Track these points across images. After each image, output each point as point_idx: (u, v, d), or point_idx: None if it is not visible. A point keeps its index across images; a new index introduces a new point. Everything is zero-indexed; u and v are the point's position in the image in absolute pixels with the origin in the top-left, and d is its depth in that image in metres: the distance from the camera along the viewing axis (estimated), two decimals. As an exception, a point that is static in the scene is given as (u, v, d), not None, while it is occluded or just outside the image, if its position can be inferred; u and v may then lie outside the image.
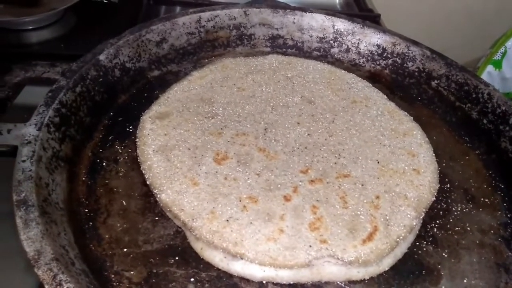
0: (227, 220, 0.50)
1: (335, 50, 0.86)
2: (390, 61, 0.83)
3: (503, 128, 0.69)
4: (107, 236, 0.50)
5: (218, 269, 0.49)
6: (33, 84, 0.63)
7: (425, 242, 0.56)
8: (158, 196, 0.53)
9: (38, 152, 0.51)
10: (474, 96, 0.74)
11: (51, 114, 0.55)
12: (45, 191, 0.48)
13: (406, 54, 0.82)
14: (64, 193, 0.52)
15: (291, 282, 0.49)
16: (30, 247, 0.41)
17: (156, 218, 0.53)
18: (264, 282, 0.49)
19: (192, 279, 0.48)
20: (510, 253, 0.57)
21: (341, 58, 0.86)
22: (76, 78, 0.61)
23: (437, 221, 0.59)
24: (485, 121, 0.72)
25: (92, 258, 0.48)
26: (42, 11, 0.98)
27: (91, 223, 0.52)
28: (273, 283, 0.49)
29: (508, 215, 0.61)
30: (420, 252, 0.55)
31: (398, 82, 0.82)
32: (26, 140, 0.51)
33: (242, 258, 0.48)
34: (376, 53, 0.84)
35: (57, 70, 0.63)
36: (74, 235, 0.48)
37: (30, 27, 0.98)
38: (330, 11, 0.89)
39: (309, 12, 0.85)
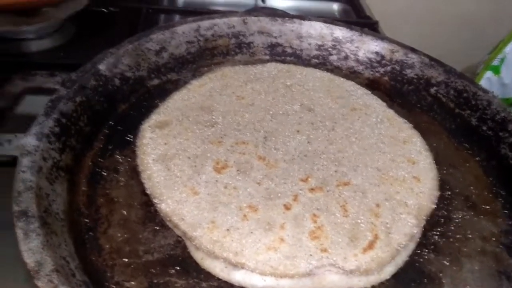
0: (228, 230, 0.50)
1: (333, 58, 0.86)
2: (388, 68, 0.84)
3: (503, 134, 0.69)
4: (107, 246, 0.50)
5: (219, 279, 0.49)
6: (33, 93, 0.63)
7: (426, 250, 0.56)
8: (158, 205, 0.53)
9: (38, 163, 0.50)
10: (473, 102, 0.74)
11: (51, 124, 0.55)
12: (45, 201, 0.48)
13: (405, 61, 0.83)
14: (65, 203, 0.52)
15: (292, 292, 0.49)
16: (30, 259, 0.41)
17: (157, 228, 0.53)
18: (265, 291, 0.49)
19: (192, 289, 0.48)
20: (511, 261, 0.56)
21: (340, 65, 0.86)
22: (76, 88, 0.61)
23: (438, 229, 0.59)
24: (484, 128, 0.72)
25: (92, 269, 0.48)
26: (41, 21, 0.98)
27: (91, 234, 0.51)
28: (274, 292, 0.49)
29: (509, 222, 0.61)
30: (421, 260, 0.55)
31: (397, 89, 0.82)
32: (26, 150, 0.51)
33: (242, 268, 0.48)
34: (374, 61, 0.85)
35: (57, 79, 0.63)
36: (74, 245, 0.48)
37: (30, 37, 0.98)
38: (328, 18, 0.89)
39: (307, 20, 0.86)
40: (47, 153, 0.53)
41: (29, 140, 0.52)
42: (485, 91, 0.74)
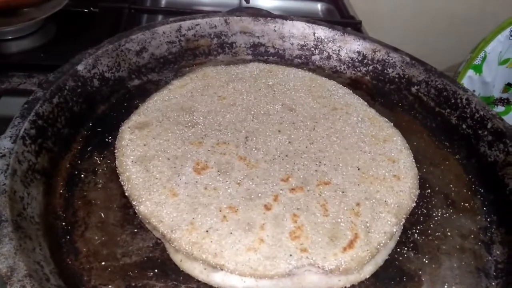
0: (207, 231, 0.50)
1: (316, 58, 0.86)
2: (370, 68, 0.84)
3: (482, 132, 0.70)
4: (84, 249, 0.50)
5: (198, 281, 0.49)
6: (9, 95, 0.62)
7: (406, 248, 0.56)
8: (137, 207, 0.52)
9: (13, 165, 0.50)
10: (453, 101, 0.75)
11: (27, 126, 0.54)
12: (19, 205, 0.47)
13: (386, 60, 0.83)
14: (40, 206, 0.51)
15: (272, 292, 0.49)
16: (2, 264, 0.40)
17: (135, 230, 0.53)
18: (244, 293, 0.48)
19: (171, 292, 0.47)
20: (490, 258, 0.57)
21: (322, 65, 0.86)
22: (53, 89, 0.60)
23: (418, 227, 0.59)
24: (464, 126, 0.73)
25: (68, 273, 0.47)
26: (21, 21, 0.96)
27: (68, 237, 0.51)
28: (254, 293, 0.48)
29: (488, 219, 0.62)
30: (401, 258, 0.55)
31: (378, 88, 0.83)
32: (0, 153, 0.50)
33: (222, 269, 0.48)
34: (356, 60, 0.85)
35: (34, 81, 0.62)
36: (50, 249, 0.47)
37: (10, 37, 0.97)
38: (311, 18, 0.89)
39: (289, 20, 0.86)
40: (22, 156, 0.52)
41: (4, 143, 0.51)
42: (464, 89, 0.75)
